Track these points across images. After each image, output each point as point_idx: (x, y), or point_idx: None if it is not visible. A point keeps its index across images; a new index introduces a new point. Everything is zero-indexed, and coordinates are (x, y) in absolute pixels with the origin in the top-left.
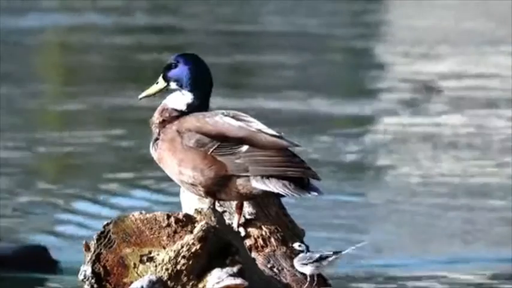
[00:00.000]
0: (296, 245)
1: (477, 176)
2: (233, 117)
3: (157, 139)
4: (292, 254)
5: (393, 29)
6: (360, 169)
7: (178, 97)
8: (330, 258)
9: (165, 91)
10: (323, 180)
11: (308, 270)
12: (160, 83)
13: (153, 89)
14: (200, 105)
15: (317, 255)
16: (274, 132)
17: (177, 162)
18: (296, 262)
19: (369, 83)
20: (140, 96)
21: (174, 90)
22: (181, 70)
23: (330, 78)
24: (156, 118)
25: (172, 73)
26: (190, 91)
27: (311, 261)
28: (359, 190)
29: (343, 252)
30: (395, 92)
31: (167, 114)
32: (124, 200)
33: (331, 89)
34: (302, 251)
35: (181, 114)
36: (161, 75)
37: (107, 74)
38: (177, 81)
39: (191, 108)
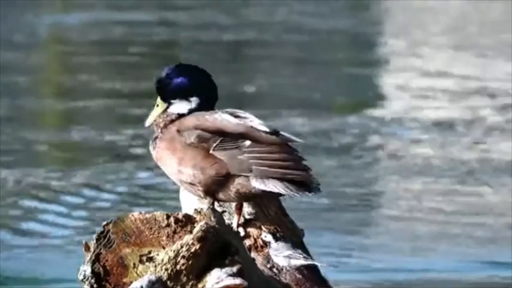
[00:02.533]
0: (262, 236)
1: (478, 183)
2: (231, 114)
3: (156, 138)
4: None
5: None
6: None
7: (184, 104)
8: (297, 262)
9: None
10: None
11: (280, 261)
12: (161, 105)
13: (156, 112)
14: (205, 107)
15: (286, 253)
16: (269, 130)
17: (176, 161)
18: (270, 251)
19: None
20: (147, 124)
21: (180, 103)
22: (178, 84)
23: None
24: (160, 121)
25: (170, 90)
26: (196, 96)
27: (281, 255)
28: (361, 198)
29: (310, 262)
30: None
31: (169, 118)
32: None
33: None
34: (269, 242)
35: (182, 116)
36: (158, 97)
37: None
38: (179, 94)
39: (194, 111)
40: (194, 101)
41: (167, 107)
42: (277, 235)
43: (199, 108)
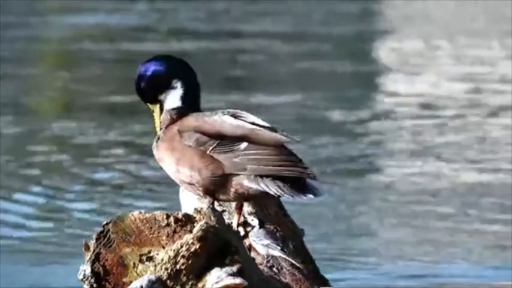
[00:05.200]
0: (249, 219)
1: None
2: (232, 115)
3: (158, 138)
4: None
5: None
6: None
7: (172, 95)
8: (275, 253)
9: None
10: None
11: (259, 249)
12: (155, 109)
13: (156, 119)
14: (192, 86)
15: (266, 242)
16: (272, 127)
17: (174, 161)
18: (250, 236)
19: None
20: (156, 136)
21: (169, 95)
22: (152, 78)
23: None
24: (162, 123)
25: (151, 89)
26: (177, 78)
27: (260, 243)
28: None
29: (285, 256)
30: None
31: (169, 116)
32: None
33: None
34: (254, 226)
35: (181, 111)
36: (147, 104)
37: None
38: (160, 86)
39: (186, 98)
40: (178, 85)
41: (161, 106)
42: (263, 220)
43: (188, 89)
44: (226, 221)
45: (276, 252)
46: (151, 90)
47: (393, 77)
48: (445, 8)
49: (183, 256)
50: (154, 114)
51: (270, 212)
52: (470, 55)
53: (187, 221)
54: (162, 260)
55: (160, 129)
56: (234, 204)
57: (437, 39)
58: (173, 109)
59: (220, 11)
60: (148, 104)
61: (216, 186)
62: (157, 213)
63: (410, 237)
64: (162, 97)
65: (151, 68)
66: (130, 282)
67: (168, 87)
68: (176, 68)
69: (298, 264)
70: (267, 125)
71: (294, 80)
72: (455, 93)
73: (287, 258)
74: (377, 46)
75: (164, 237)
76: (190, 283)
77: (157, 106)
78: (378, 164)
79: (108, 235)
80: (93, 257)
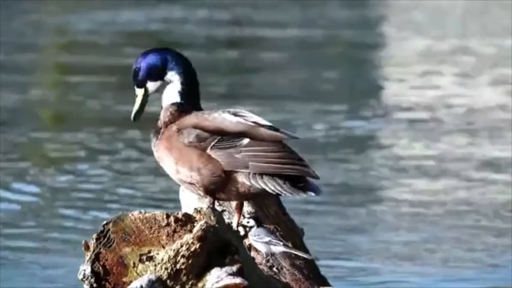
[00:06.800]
0: (245, 221)
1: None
2: (233, 114)
3: (157, 137)
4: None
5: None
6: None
7: (169, 89)
8: (278, 248)
9: (149, 95)
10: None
11: (259, 247)
12: (139, 93)
13: (137, 103)
14: (189, 82)
15: (267, 239)
16: (271, 125)
17: (173, 160)
18: (250, 236)
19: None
20: (132, 117)
21: (159, 87)
22: (147, 65)
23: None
24: (161, 120)
25: (142, 74)
26: (171, 70)
27: (260, 241)
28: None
29: (290, 251)
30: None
31: (168, 113)
32: None
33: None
34: (252, 227)
35: (180, 108)
36: (134, 86)
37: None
38: (152, 75)
39: (184, 93)
40: (176, 79)
41: (145, 92)
42: (260, 220)
43: (187, 85)
44: (226, 221)
45: (279, 247)
46: (142, 75)
47: (400, 82)
48: (453, 8)
49: (183, 256)
50: (137, 98)
51: (269, 211)
52: (480, 55)
53: (187, 220)
54: (162, 259)
55: (160, 128)
56: (234, 204)
57: (446, 42)
58: (172, 104)
59: (232, 17)
60: (135, 87)
61: (216, 186)
62: (157, 212)
63: (414, 244)
64: (150, 85)
65: (149, 56)
66: (131, 282)
67: (162, 78)
68: (174, 61)
69: (304, 255)
70: (268, 123)
71: (300, 88)
72: (469, 99)
73: (291, 251)
74: (387, 51)
75: (164, 237)
76: (190, 283)
77: (142, 91)
78: (384, 172)
79: (108, 235)
80: (93, 257)
